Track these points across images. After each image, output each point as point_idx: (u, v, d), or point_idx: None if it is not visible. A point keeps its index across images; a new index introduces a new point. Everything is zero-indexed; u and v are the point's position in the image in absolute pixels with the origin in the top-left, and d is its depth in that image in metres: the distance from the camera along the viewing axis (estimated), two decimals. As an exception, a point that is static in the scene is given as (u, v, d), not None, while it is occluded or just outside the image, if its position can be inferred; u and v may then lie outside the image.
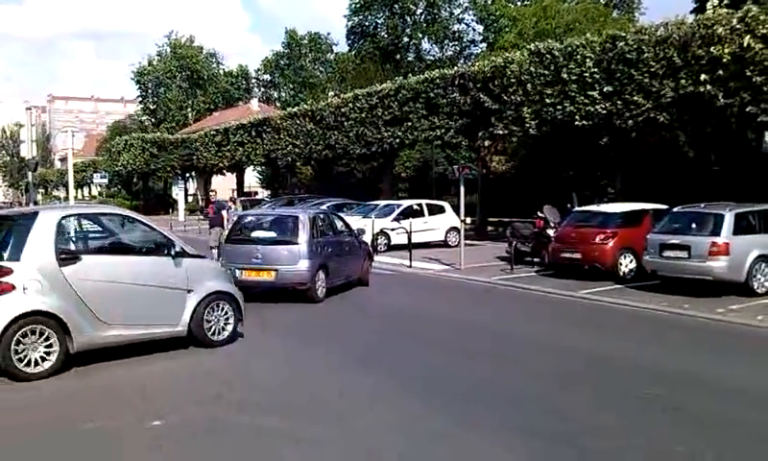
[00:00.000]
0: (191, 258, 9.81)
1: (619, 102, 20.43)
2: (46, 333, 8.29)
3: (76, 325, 8.47)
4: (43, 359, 8.28)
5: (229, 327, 9.97)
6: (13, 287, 8.20)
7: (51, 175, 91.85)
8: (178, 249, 9.57)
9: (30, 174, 21.00)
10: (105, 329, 8.77)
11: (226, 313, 9.93)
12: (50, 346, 8.33)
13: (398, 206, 25.94)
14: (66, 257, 8.63)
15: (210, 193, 26.80)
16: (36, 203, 20.65)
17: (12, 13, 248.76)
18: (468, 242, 20.63)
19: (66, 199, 22.00)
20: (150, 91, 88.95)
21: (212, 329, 9.76)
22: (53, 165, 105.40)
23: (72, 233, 9.45)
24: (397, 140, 30.71)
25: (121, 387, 8.20)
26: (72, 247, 9.11)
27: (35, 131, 19.52)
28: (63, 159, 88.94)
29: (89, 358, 8.73)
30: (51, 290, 8.39)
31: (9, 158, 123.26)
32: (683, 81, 18.50)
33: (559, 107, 22.05)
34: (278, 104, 78.91)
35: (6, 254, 8.50)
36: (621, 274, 16.19)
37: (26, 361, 8.17)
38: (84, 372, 8.60)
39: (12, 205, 70.26)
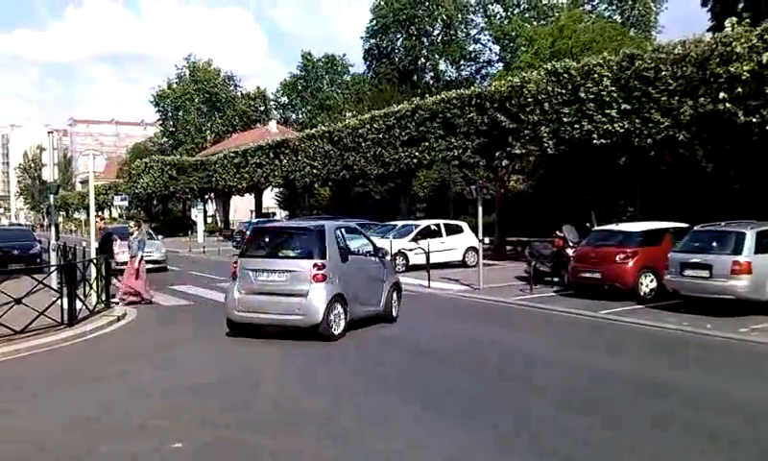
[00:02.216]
0: (385, 258, 14.38)
1: (637, 120, 20.36)
2: (341, 309, 12.06)
3: (350, 303, 12.26)
4: (337, 326, 12.00)
5: (396, 309, 13.95)
6: (326, 277, 11.88)
7: (72, 197, 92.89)
8: (383, 251, 14.37)
9: (51, 197, 21.15)
10: (358, 307, 12.68)
11: (396, 297, 13.92)
12: (340, 317, 12.06)
13: (416, 226, 25.93)
14: (344, 256, 12.59)
15: (96, 219, 22.40)
16: (57, 226, 20.77)
17: (35, 38, 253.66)
18: (486, 262, 20.56)
19: (87, 222, 22.22)
20: (169, 114, 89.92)
21: (392, 309, 13.67)
22: (74, 188, 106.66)
23: (341, 239, 13.00)
24: (415, 160, 30.77)
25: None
26: (344, 249, 12.84)
27: (56, 154, 19.68)
28: (84, 182, 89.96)
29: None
30: (340, 279, 12.18)
31: (30, 181, 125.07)
32: (701, 99, 18.40)
33: (576, 126, 22.00)
34: (296, 125, 79.42)
35: (315, 254, 12.07)
36: (642, 293, 16.04)
37: (332, 327, 11.84)
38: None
39: (35, 227, 70.96)
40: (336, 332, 11.96)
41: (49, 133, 21.70)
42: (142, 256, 17.43)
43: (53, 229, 21.23)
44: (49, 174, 19.57)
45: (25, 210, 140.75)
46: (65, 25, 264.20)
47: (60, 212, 77.67)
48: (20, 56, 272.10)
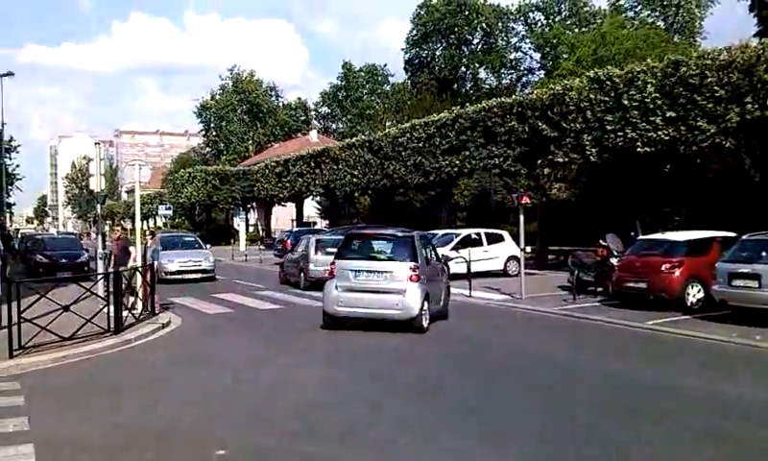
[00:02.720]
0: (443, 263, 16.57)
1: (683, 127, 20.04)
2: (427, 306, 13.75)
3: (430, 301, 13.96)
4: (426, 321, 13.69)
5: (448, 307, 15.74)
6: (419, 278, 13.61)
7: (118, 207, 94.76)
8: (445, 258, 16.99)
9: (98, 206, 21.58)
10: (433, 305, 14.28)
11: (448, 298, 15.86)
12: (427, 313, 13.76)
13: (457, 235, 25.80)
14: (426, 260, 14.47)
15: (116, 228, 22.32)
16: (104, 235, 21.18)
17: (82, 52, 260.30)
18: (528, 271, 20.38)
19: (133, 230, 22.39)
20: (212, 124, 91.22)
21: (447, 308, 15.46)
22: (120, 198, 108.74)
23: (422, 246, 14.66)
24: (455, 169, 30.72)
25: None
26: (425, 254, 14.57)
27: (103, 164, 20.04)
28: (130, 192, 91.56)
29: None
30: (425, 279, 13.80)
31: (78, 191, 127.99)
32: (749, 105, 18.06)
33: (620, 133, 21.74)
34: (336, 135, 79.90)
35: (409, 258, 13.84)
36: (688, 304, 15.72)
37: (423, 321, 13.58)
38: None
39: (82, 236, 72.47)
40: (425, 326, 13.66)
41: (96, 143, 22.12)
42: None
43: (100, 237, 21.65)
44: (96, 184, 19.96)
45: (72, 219, 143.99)
46: (112, 39, 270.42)
47: (107, 221, 79.24)
48: (68, 68, 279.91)
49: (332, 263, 14.53)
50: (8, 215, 58.05)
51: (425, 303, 13.60)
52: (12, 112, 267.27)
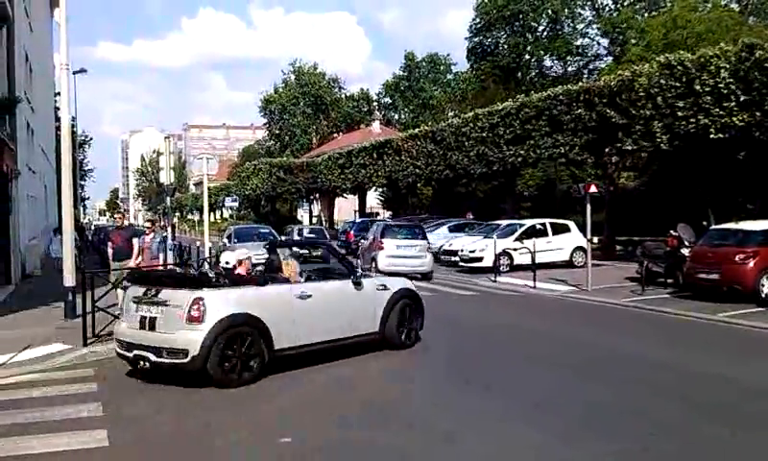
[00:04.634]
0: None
1: (758, 113, 19.31)
2: None
3: None
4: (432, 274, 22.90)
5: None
6: (430, 249, 23.39)
7: (186, 199, 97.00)
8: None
9: (168, 199, 22.16)
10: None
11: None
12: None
13: (521, 225, 25.51)
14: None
15: (116, 216, 20.04)
16: (173, 227, 21.73)
17: (152, 48, 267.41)
18: (594, 262, 20.00)
19: (201, 222, 22.89)
20: (275, 117, 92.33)
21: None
22: (188, 190, 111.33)
23: None
24: (519, 159, 30.28)
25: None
26: None
27: (172, 158, 20.54)
28: (197, 184, 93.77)
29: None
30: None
31: (148, 184, 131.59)
32: (830, 88, 17.24)
33: (692, 120, 21.06)
34: (399, 125, 79.80)
35: (424, 237, 23.16)
36: (763, 295, 15.20)
37: (433, 274, 22.83)
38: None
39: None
40: (432, 277, 22.26)
41: (166, 137, 22.71)
42: (165, 258, 16.03)
43: (169, 229, 22.22)
44: (166, 177, 20.52)
45: (143, 212, 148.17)
46: (181, 35, 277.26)
47: (176, 213, 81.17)
48: (139, 64, 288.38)
49: (380, 241, 22.66)
50: (81, 208, 60.07)
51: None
52: (86, 108, 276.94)
